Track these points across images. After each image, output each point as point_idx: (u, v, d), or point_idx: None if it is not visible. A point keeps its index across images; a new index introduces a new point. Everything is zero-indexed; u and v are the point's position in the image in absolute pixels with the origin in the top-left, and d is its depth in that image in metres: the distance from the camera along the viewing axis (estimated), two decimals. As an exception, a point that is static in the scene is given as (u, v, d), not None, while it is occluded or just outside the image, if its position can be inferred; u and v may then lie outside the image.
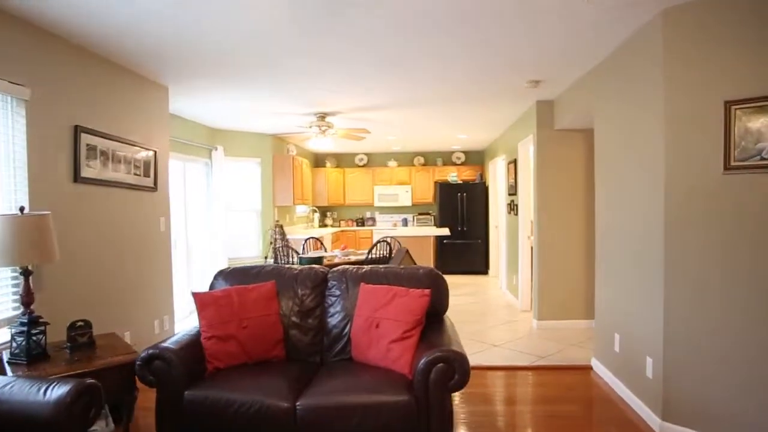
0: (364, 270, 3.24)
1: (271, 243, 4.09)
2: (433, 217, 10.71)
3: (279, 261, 4.43)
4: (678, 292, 2.97)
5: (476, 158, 10.79)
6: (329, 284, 3.25)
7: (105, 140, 3.87)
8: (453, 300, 7.62)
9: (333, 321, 3.13)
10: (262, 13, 3.10)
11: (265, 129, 7.13)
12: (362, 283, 3.09)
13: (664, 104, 3.00)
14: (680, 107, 2.95)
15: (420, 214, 10.87)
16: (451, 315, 6.64)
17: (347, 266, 3.35)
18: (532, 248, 6.19)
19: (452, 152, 10.85)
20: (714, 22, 2.82)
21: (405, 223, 10.87)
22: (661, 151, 3.03)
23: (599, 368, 4.11)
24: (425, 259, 7.97)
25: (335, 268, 3.34)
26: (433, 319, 3.00)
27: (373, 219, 11.08)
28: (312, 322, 3.14)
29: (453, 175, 10.25)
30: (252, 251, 7.81)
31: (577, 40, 3.58)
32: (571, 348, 4.83)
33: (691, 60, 2.91)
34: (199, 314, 2.90)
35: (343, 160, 11.10)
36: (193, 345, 2.81)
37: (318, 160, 11.02)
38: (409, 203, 10.70)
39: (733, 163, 2.76)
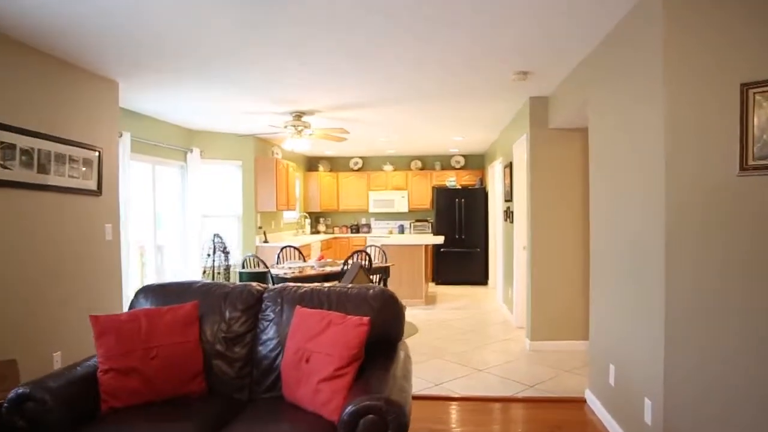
0: (304, 289, 2.73)
1: (208, 255, 3.55)
2: (431, 224, 10.17)
3: (215, 276, 3.89)
4: (682, 319, 2.41)
5: (476, 162, 10.25)
6: (264, 305, 2.74)
7: (28, 138, 3.42)
8: (444, 314, 7.18)
9: (264, 350, 2.62)
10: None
11: (238, 129, 6.66)
12: (298, 307, 2.58)
13: (663, 91, 2.46)
14: (684, 94, 2.40)
15: (417, 221, 10.34)
16: (439, 331, 6.12)
17: (289, 284, 2.85)
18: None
19: (451, 156, 10.31)
20: (726, -12, 2.28)
21: (401, 230, 10.34)
22: (661, 149, 2.49)
23: (593, 402, 3.54)
24: (417, 269, 7.44)
25: (273, 287, 2.83)
26: (382, 349, 2.47)
27: (368, 226, 10.58)
28: (240, 350, 2.63)
29: (451, 180, 9.71)
30: (231, 259, 7.34)
31: (564, 21, 3.05)
32: (565, 375, 4.26)
33: (697, 35, 2.36)
34: (96, 342, 2.41)
35: (337, 164, 10.62)
36: (84, 380, 2.31)
37: (311, 164, 10.56)
38: (405, 209, 10.18)
39: (751, 162, 2.21)
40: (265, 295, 2.78)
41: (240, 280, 3.48)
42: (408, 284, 7.45)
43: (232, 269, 5.58)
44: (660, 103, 2.50)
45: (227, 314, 2.69)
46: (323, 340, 2.30)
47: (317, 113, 5.70)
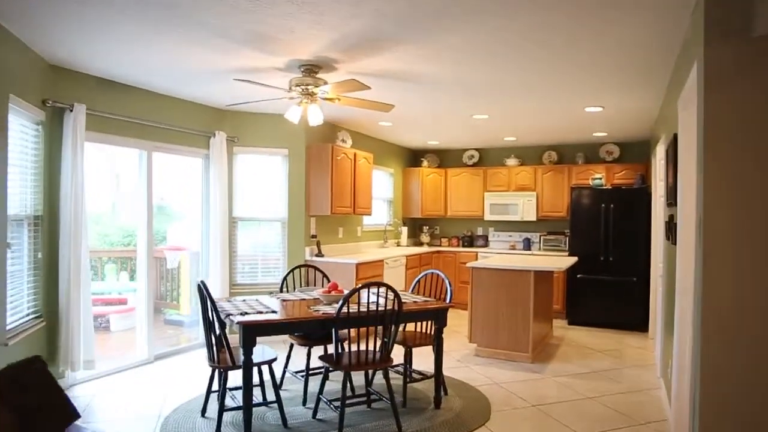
0: None
1: None
2: (568, 239, 7.41)
3: None
4: None
5: (637, 152, 7.23)
6: None
7: None
8: (553, 386, 4.01)
9: None
10: None
11: (275, 105, 4.93)
12: None
13: None
14: None
15: (549, 233, 7.65)
16: (523, 426, 3.26)
17: None
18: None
19: (600, 144, 7.44)
20: None
21: (527, 245, 7.74)
22: None
23: None
24: (521, 307, 4.96)
25: None
26: None
27: (484, 238, 8.20)
28: None
29: (597, 178, 6.89)
30: (274, 275, 5.71)
31: None
32: None
33: None
34: None
35: (447, 158, 8.49)
36: None
37: (415, 159, 8.57)
38: (533, 217, 7.59)
39: None
40: None
41: None
42: (508, 329, 5.02)
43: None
44: None
45: None
46: None
47: (338, 65, 3.72)
